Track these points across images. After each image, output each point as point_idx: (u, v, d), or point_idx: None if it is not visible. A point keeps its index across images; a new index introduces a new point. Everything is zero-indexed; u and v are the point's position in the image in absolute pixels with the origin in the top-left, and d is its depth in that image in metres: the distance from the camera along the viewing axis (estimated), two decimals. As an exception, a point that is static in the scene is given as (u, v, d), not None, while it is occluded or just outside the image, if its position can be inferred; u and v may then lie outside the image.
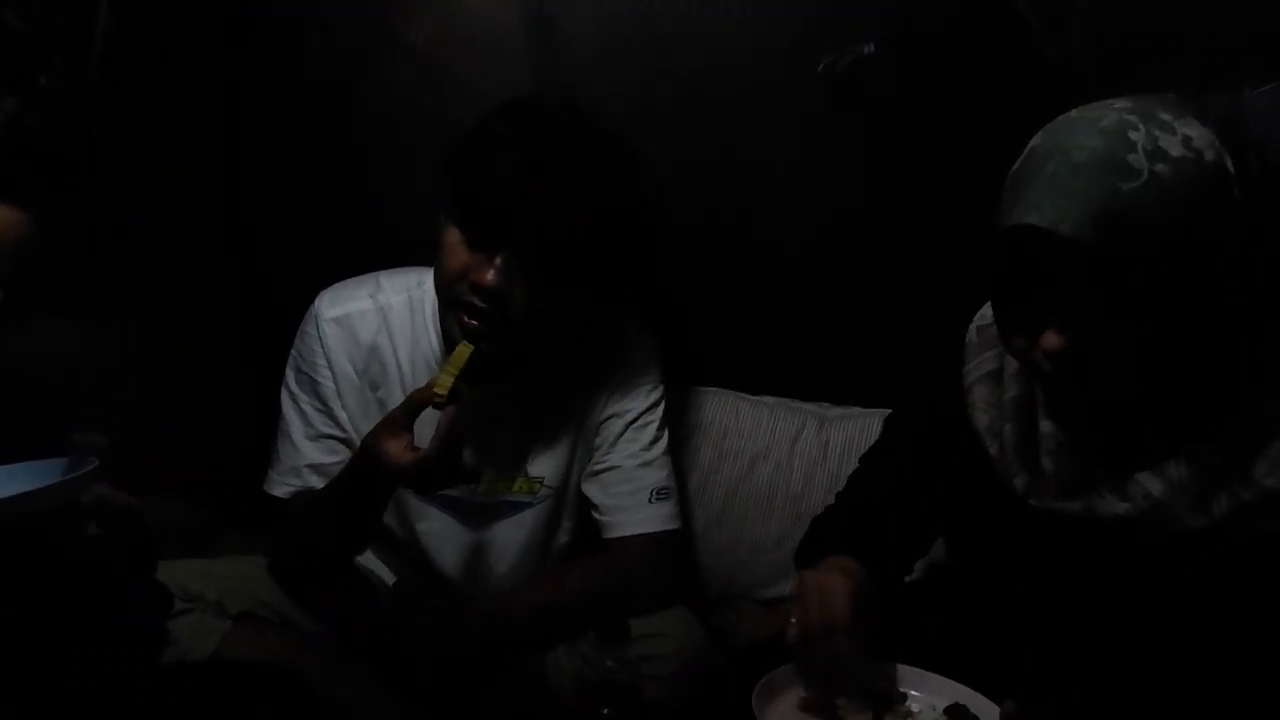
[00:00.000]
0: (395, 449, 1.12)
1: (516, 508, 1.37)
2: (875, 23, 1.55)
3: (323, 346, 1.31)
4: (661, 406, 1.44)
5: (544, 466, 1.37)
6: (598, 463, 1.39)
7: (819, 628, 1.01)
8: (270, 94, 1.74)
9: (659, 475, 1.41)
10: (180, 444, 0.88)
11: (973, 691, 1.04)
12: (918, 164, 1.63)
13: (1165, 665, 0.97)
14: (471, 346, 1.15)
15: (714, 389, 1.79)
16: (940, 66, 1.56)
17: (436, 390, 1.11)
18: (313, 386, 1.32)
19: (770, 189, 1.72)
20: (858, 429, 1.70)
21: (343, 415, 1.32)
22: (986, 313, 1.13)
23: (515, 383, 1.32)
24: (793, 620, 1.03)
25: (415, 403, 1.13)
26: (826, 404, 1.77)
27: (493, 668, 1.30)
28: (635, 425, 1.40)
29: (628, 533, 1.37)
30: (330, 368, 1.31)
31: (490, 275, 1.15)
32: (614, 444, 1.39)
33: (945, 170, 1.60)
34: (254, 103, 1.74)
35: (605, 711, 0.99)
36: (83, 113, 0.83)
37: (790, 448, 1.71)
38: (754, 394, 1.78)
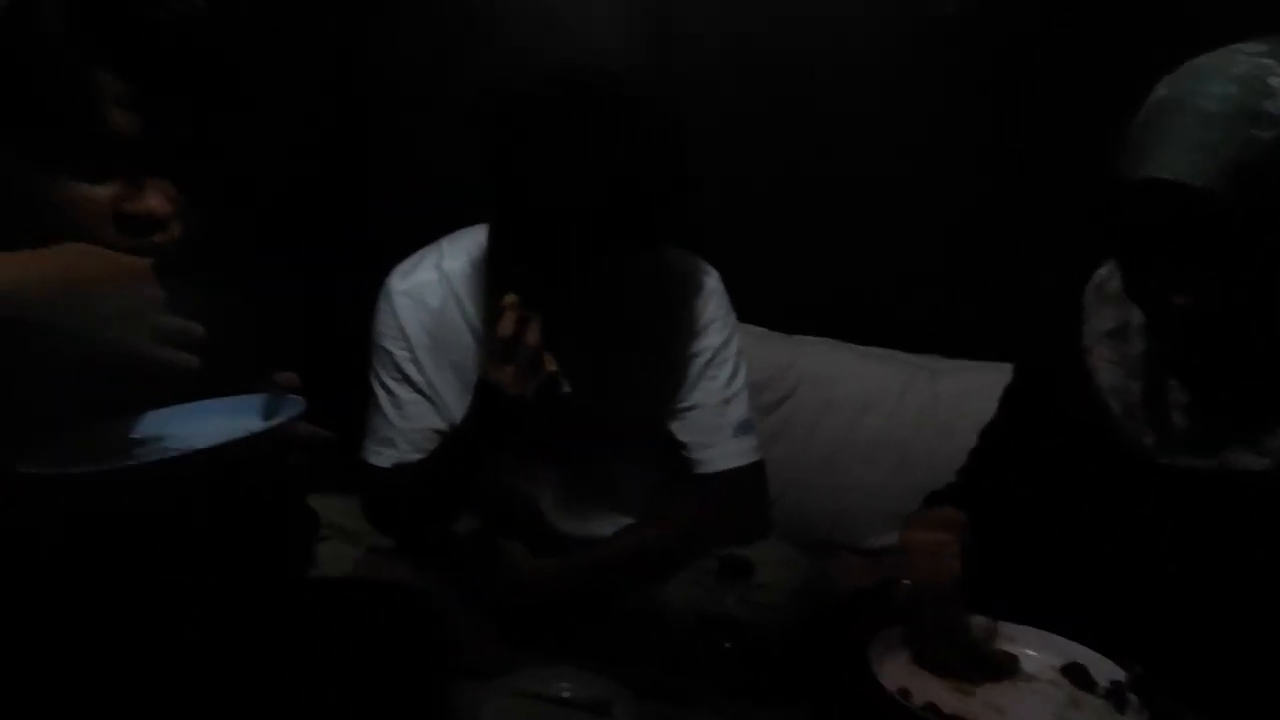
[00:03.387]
0: (504, 375, 1.17)
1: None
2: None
3: (396, 320, 1.38)
4: (735, 341, 1.47)
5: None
6: (680, 402, 1.43)
7: (930, 589, 1.00)
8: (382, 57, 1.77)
9: (740, 410, 1.45)
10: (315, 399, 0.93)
11: (1089, 650, 1.02)
12: (1027, 112, 1.59)
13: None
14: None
15: (820, 339, 1.80)
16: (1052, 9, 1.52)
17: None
18: (391, 359, 1.39)
19: (874, 136, 1.70)
20: (970, 383, 1.69)
21: (421, 380, 1.39)
22: (1103, 271, 1.11)
23: (589, 328, 1.36)
24: (904, 581, 1.02)
25: (506, 340, 1.18)
26: (937, 356, 1.76)
27: (598, 605, 1.36)
28: (713, 363, 1.44)
29: (717, 468, 1.42)
30: (405, 339, 1.38)
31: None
32: (695, 383, 1.43)
33: (1057, 118, 1.56)
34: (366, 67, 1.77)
35: (726, 645, 1.02)
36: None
37: (898, 399, 1.71)
38: (862, 345, 1.79)
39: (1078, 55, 1.53)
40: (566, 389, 1.17)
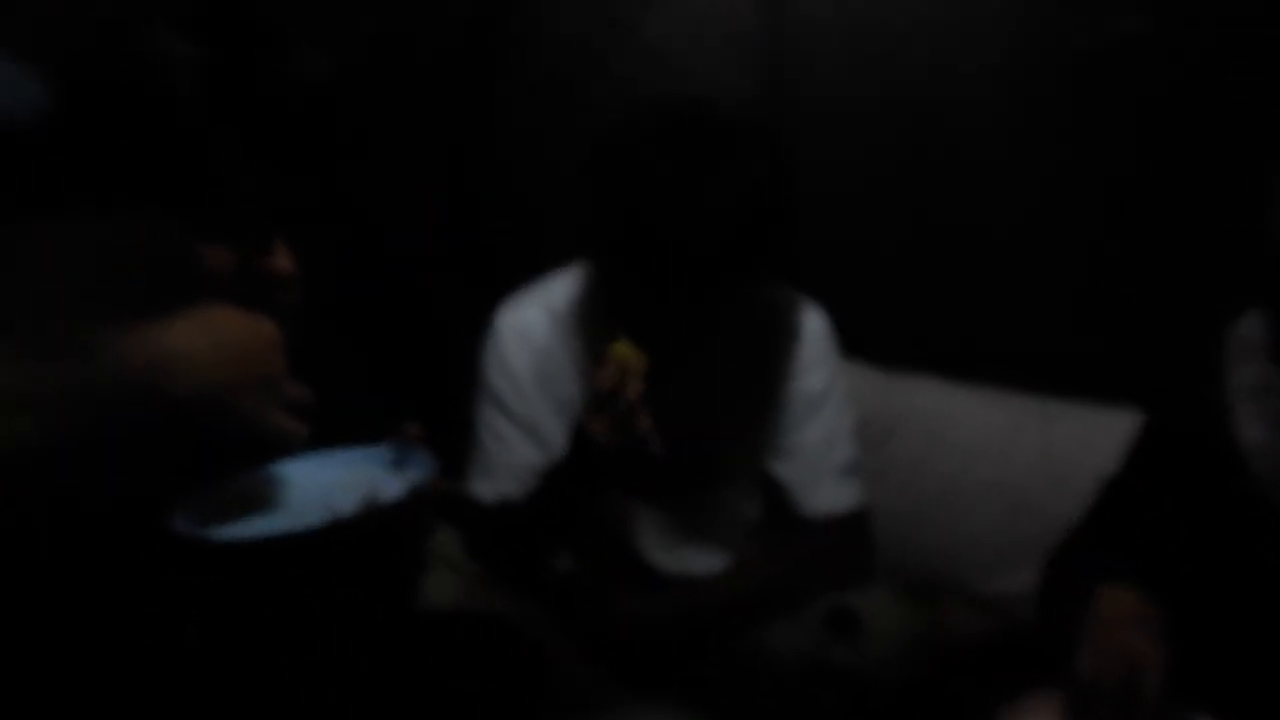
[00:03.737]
0: (599, 425, 1.17)
1: None
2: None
3: (501, 356, 1.39)
4: (839, 382, 1.46)
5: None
6: (784, 440, 1.41)
7: (1120, 669, 0.92)
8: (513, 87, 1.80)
9: (844, 452, 1.44)
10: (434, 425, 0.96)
11: None
12: (1166, 157, 1.54)
13: None
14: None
15: (928, 378, 1.75)
16: (1203, 50, 1.47)
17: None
18: (496, 394, 1.40)
19: (1000, 175, 1.67)
20: (1085, 427, 1.63)
21: (524, 416, 1.40)
22: (1247, 323, 1.06)
23: (691, 371, 1.35)
24: (1088, 656, 0.94)
25: (603, 393, 1.17)
26: (1050, 398, 1.70)
27: (698, 647, 1.35)
28: (816, 403, 1.42)
29: (819, 510, 1.40)
30: (510, 375, 1.39)
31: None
32: (798, 424, 1.41)
33: (1196, 165, 1.51)
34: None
35: (832, 696, 1.00)
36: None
37: (1010, 443, 1.65)
38: (971, 384, 1.74)
39: (1224, 103, 1.48)
40: (658, 449, 1.17)
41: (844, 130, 1.70)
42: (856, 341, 1.78)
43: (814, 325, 1.44)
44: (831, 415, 1.43)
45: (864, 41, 1.65)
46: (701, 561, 1.43)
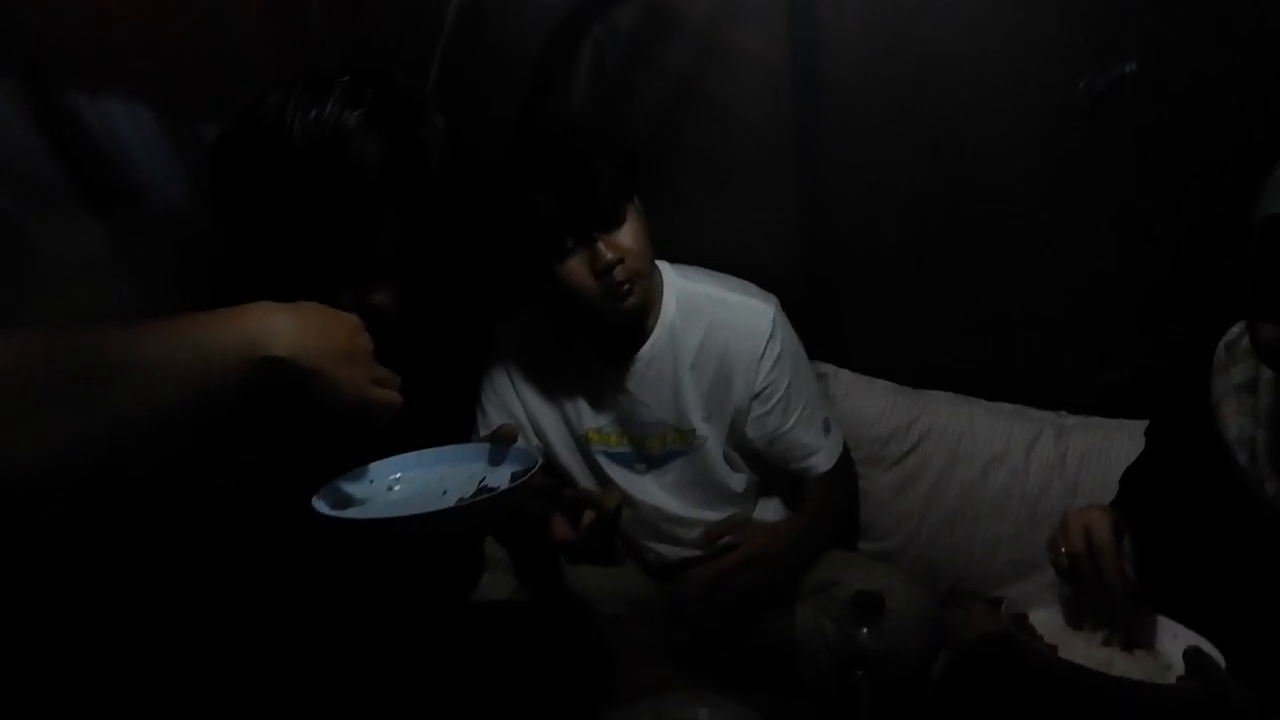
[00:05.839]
0: (559, 527, 1.20)
1: (674, 456, 1.55)
2: (1132, 41, 1.57)
3: (500, 355, 1.56)
4: (800, 354, 1.58)
5: (693, 421, 1.53)
6: (774, 428, 1.54)
7: (1084, 553, 1.11)
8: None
9: (822, 411, 1.60)
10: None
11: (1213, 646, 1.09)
12: (1162, 179, 1.63)
13: None
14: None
15: (949, 394, 1.86)
16: (1197, 84, 1.57)
17: (608, 504, 1.22)
18: (494, 389, 1.56)
19: (1007, 197, 1.75)
20: (1097, 439, 1.72)
21: (520, 410, 1.55)
22: (1235, 329, 1.17)
23: (648, 346, 1.50)
24: (1060, 549, 1.14)
25: (586, 501, 1.22)
26: (1064, 413, 1.80)
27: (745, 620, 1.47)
28: (792, 385, 1.54)
29: (827, 468, 1.57)
30: (508, 372, 1.56)
31: (607, 254, 1.36)
32: (782, 411, 1.53)
33: (1193, 185, 1.60)
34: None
35: (859, 673, 1.10)
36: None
37: (1026, 453, 1.75)
38: (990, 400, 1.84)
39: (1214, 132, 1.57)
40: (627, 508, 1.25)
41: (869, 143, 1.79)
42: (883, 360, 1.90)
43: (771, 313, 1.53)
44: (806, 387, 1.57)
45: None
46: (715, 512, 1.57)
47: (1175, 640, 1.12)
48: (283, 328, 0.80)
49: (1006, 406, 1.82)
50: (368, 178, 0.93)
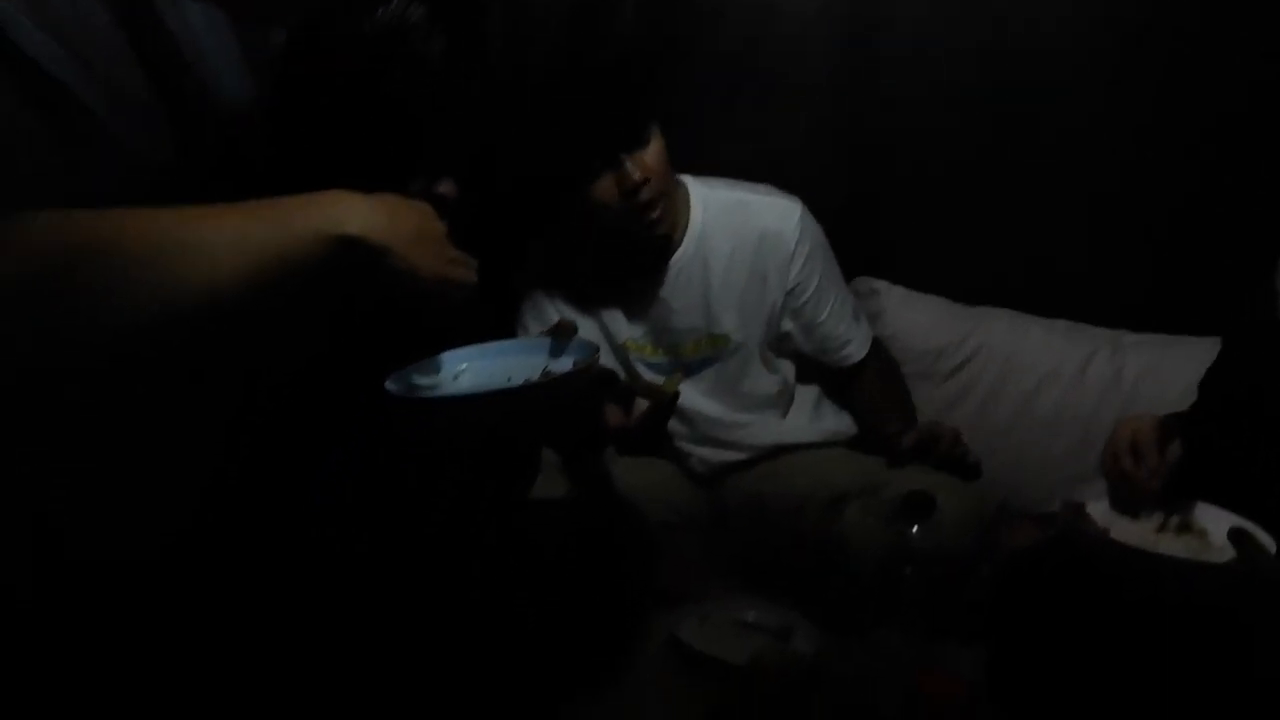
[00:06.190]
0: (613, 414, 1.25)
1: (708, 362, 1.58)
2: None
3: (540, 268, 1.60)
4: (827, 248, 1.60)
5: (727, 325, 1.56)
6: (809, 321, 1.58)
7: (1129, 457, 1.19)
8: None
9: (851, 300, 1.64)
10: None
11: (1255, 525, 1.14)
12: (1227, 95, 1.59)
13: None
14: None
15: (1003, 310, 1.84)
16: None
17: (666, 389, 1.27)
18: (535, 304, 1.59)
19: (1069, 110, 1.72)
20: (1154, 356, 1.70)
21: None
22: None
23: (678, 254, 1.53)
24: (1110, 459, 1.22)
25: (643, 390, 1.29)
26: (1124, 330, 1.78)
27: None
28: (824, 276, 1.58)
29: (861, 356, 1.63)
30: (546, 288, 1.59)
31: (633, 173, 1.40)
32: (815, 304, 1.57)
33: (1256, 102, 1.56)
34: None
35: (907, 571, 1.12)
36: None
37: (1081, 371, 1.73)
38: (1045, 317, 1.82)
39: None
40: (679, 390, 1.29)
41: (929, 65, 1.76)
42: (935, 276, 1.88)
43: (799, 211, 1.56)
44: (836, 279, 1.60)
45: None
46: (749, 416, 1.61)
47: (1225, 526, 1.15)
48: (358, 209, 0.83)
49: (1061, 323, 1.80)
50: (433, 70, 0.95)
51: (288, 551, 0.93)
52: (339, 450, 0.97)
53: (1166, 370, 1.67)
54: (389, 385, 0.92)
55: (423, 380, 0.98)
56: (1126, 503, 1.23)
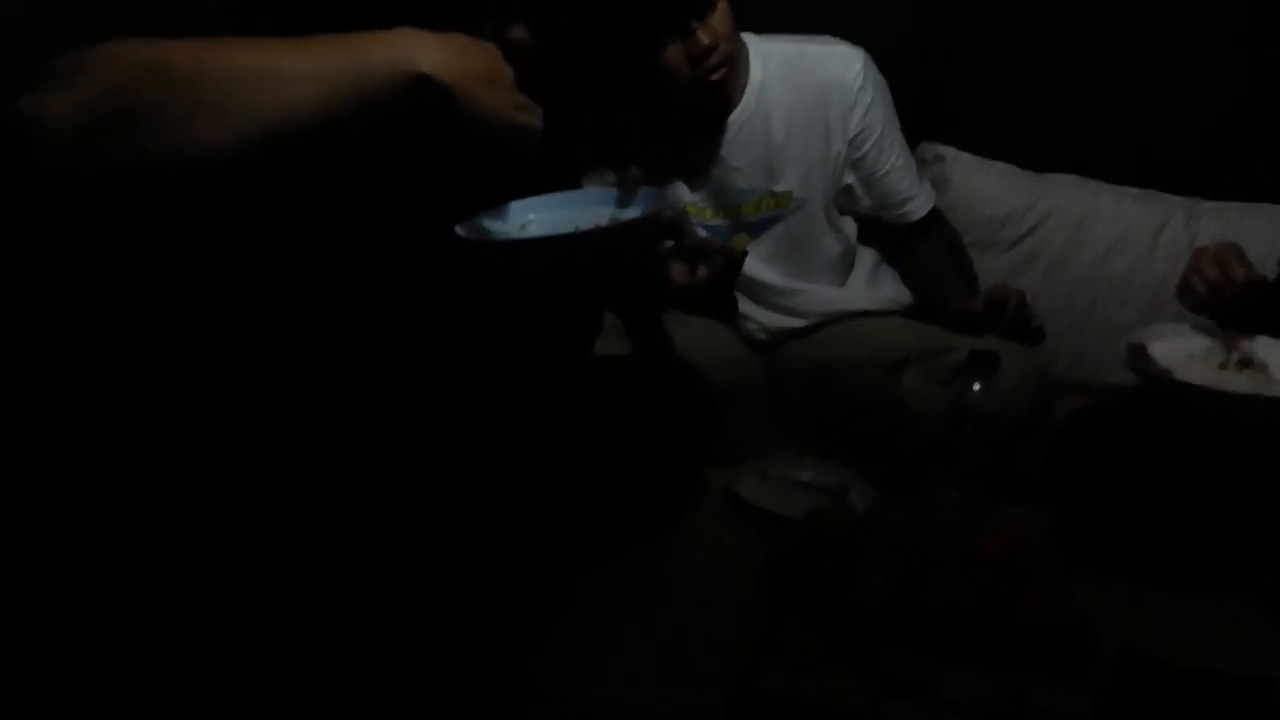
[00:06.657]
0: (677, 272, 1.25)
1: (771, 222, 1.56)
2: None
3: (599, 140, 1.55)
4: (890, 101, 1.56)
5: (789, 181, 1.54)
6: (870, 171, 1.56)
7: (1216, 275, 1.22)
8: None
9: (911, 159, 1.61)
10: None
11: None
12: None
13: None
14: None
15: (1072, 176, 1.78)
16: None
17: (736, 246, 1.26)
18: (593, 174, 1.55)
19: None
20: (1231, 223, 1.65)
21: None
22: None
23: (738, 111, 1.50)
24: (1192, 275, 1.25)
25: (710, 246, 1.29)
26: (1198, 198, 1.72)
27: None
28: (887, 125, 1.55)
29: (925, 211, 1.60)
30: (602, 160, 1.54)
31: (704, 39, 1.38)
32: (877, 155, 1.54)
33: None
34: None
35: (967, 429, 1.12)
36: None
37: (1153, 238, 1.69)
38: (1118, 184, 1.76)
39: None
40: (746, 250, 1.29)
41: None
42: (1002, 142, 1.83)
43: (862, 59, 1.52)
44: (899, 133, 1.57)
45: None
46: (807, 283, 1.60)
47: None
48: (429, 47, 0.84)
49: (1133, 190, 1.74)
50: None
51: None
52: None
53: (1244, 238, 1.57)
54: (459, 229, 0.93)
55: (493, 225, 0.99)
56: (1193, 342, 1.26)
